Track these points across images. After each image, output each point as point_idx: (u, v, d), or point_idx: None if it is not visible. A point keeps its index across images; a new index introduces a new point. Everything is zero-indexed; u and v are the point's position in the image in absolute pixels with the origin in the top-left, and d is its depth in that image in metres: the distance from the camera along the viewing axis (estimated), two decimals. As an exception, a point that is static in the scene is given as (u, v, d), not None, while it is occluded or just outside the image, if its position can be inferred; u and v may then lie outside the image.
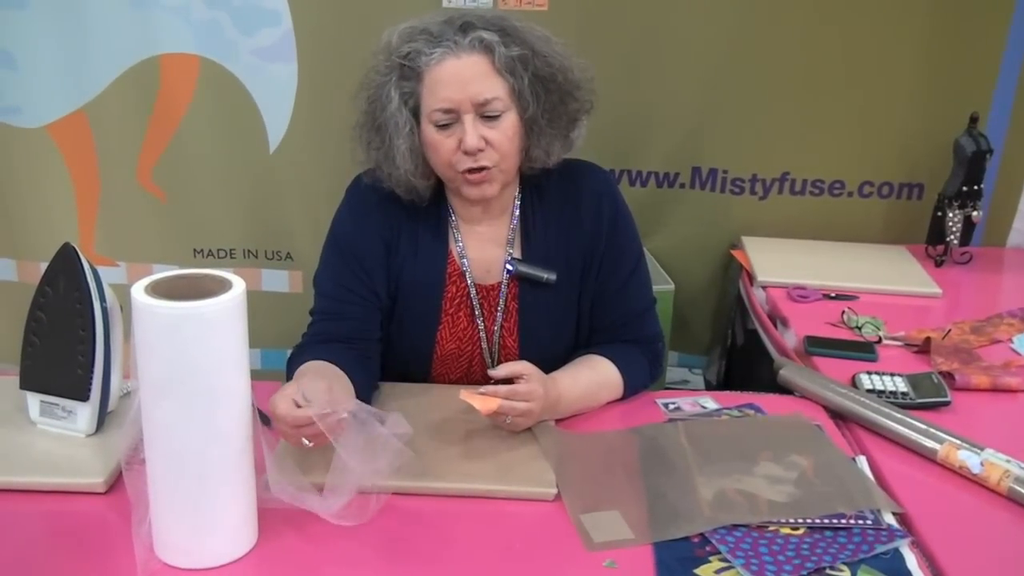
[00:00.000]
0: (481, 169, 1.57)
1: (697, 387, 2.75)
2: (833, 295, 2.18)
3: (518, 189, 1.70)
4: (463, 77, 1.53)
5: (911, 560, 1.26)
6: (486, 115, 1.55)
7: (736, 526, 1.31)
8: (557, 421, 1.57)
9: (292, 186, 2.54)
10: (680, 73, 2.47)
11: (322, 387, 1.34)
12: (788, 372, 1.74)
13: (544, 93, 1.58)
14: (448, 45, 1.53)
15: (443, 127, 1.56)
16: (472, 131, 1.53)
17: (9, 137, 2.47)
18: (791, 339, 1.99)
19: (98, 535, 1.28)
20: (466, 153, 1.55)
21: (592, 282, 1.70)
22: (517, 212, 1.70)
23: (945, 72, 2.43)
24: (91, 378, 1.44)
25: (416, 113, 1.58)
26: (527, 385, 1.48)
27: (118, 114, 2.45)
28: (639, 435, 1.55)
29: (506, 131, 1.56)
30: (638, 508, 1.36)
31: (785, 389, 1.73)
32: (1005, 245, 2.59)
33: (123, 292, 1.34)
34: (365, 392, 1.55)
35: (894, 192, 2.57)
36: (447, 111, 1.54)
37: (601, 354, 1.67)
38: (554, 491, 1.38)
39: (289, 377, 1.55)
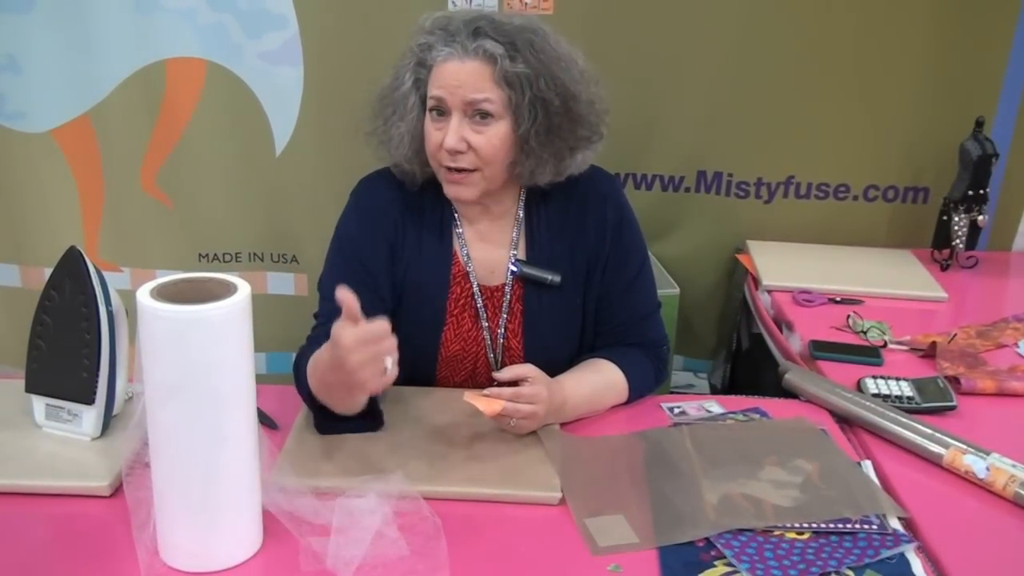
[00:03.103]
0: (460, 170, 1.58)
1: (702, 391, 2.75)
2: (838, 299, 2.18)
3: (522, 191, 1.70)
4: (459, 78, 1.54)
5: (916, 565, 1.26)
6: (476, 117, 1.56)
7: (741, 530, 1.31)
8: (562, 425, 1.57)
9: (297, 189, 2.54)
10: (686, 77, 2.47)
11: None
12: (793, 376, 1.74)
13: (542, 115, 1.57)
14: (455, 47, 1.55)
15: (436, 119, 1.58)
16: (454, 131, 1.55)
17: (13, 142, 2.47)
18: (796, 343, 1.99)
19: (102, 538, 1.28)
20: (447, 151, 1.56)
21: (596, 285, 1.70)
22: (521, 213, 1.70)
23: (950, 76, 2.43)
24: (96, 381, 1.45)
25: (424, 101, 1.60)
26: (531, 388, 1.48)
27: (123, 119, 2.45)
28: (644, 439, 1.55)
29: (491, 138, 1.57)
30: (643, 512, 1.35)
31: (790, 393, 1.73)
32: (1011, 249, 2.59)
33: (127, 297, 1.34)
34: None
35: (899, 196, 2.56)
36: (439, 102, 1.56)
37: (606, 358, 1.67)
38: (559, 495, 1.38)
39: (297, 381, 1.55)
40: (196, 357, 1.14)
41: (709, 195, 2.59)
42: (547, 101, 1.57)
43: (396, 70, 1.64)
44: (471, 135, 1.56)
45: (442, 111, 1.57)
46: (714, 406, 1.68)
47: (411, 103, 1.61)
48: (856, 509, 1.35)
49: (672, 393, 1.92)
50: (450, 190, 1.62)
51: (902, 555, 1.27)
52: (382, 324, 1.29)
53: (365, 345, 1.29)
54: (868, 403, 1.62)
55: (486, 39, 1.54)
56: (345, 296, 1.28)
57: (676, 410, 1.66)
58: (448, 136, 1.55)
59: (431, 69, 1.58)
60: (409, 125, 1.61)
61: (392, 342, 1.31)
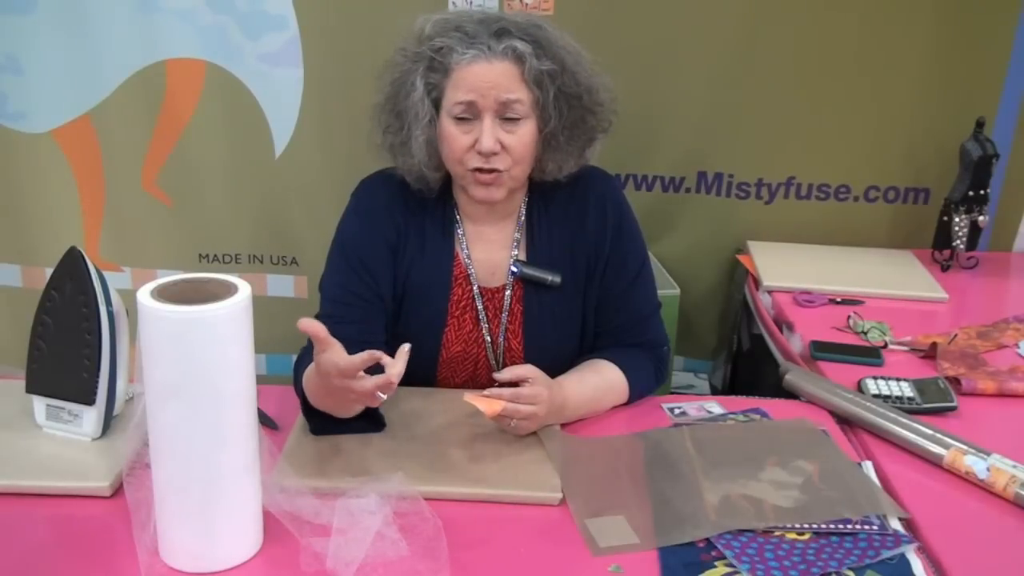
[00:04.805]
0: (491, 171, 1.57)
1: (703, 392, 2.75)
2: (839, 300, 2.18)
3: (525, 192, 1.70)
4: (490, 80, 1.53)
5: (917, 565, 1.26)
6: (506, 118, 1.55)
7: (742, 531, 1.31)
8: (562, 425, 1.57)
9: (297, 191, 2.54)
10: (686, 77, 2.47)
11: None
12: (794, 377, 1.73)
13: (567, 109, 1.58)
14: (481, 48, 1.54)
15: (462, 122, 1.56)
16: (489, 133, 1.54)
17: (14, 142, 2.47)
18: (797, 344, 1.99)
19: (103, 539, 1.28)
20: (480, 153, 1.56)
21: (597, 286, 1.70)
22: (523, 215, 1.70)
23: (951, 76, 2.43)
24: (97, 382, 1.45)
25: (437, 105, 1.59)
26: (532, 388, 1.48)
27: (123, 119, 2.46)
28: (645, 440, 1.55)
29: (522, 138, 1.57)
30: (644, 513, 1.35)
31: (791, 394, 1.73)
32: (1011, 249, 2.59)
33: (128, 297, 1.34)
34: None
35: (900, 196, 2.56)
36: (468, 105, 1.55)
37: (606, 358, 1.67)
38: (559, 496, 1.38)
39: (296, 382, 1.55)
40: (197, 357, 1.14)
41: (710, 196, 2.59)
42: (570, 96, 1.58)
43: (400, 76, 1.61)
44: (503, 136, 1.56)
45: (470, 114, 1.56)
46: (715, 407, 1.68)
47: (425, 109, 1.58)
48: (857, 510, 1.35)
49: (672, 393, 1.92)
50: (480, 192, 1.61)
51: (903, 556, 1.27)
52: (360, 359, 1.30)
53: (355, 376, 1.31)
54: (869, 404, 1.62)
55: (513, 39, 1.54)
56: (308, 327, 1.29)
57: (676, 411, 1.66)
58: (484, 138, 1.54)
59: (449, 72, 1.56)
60: (426, 132, 1.59)
61: (388, 378, 1.31)
